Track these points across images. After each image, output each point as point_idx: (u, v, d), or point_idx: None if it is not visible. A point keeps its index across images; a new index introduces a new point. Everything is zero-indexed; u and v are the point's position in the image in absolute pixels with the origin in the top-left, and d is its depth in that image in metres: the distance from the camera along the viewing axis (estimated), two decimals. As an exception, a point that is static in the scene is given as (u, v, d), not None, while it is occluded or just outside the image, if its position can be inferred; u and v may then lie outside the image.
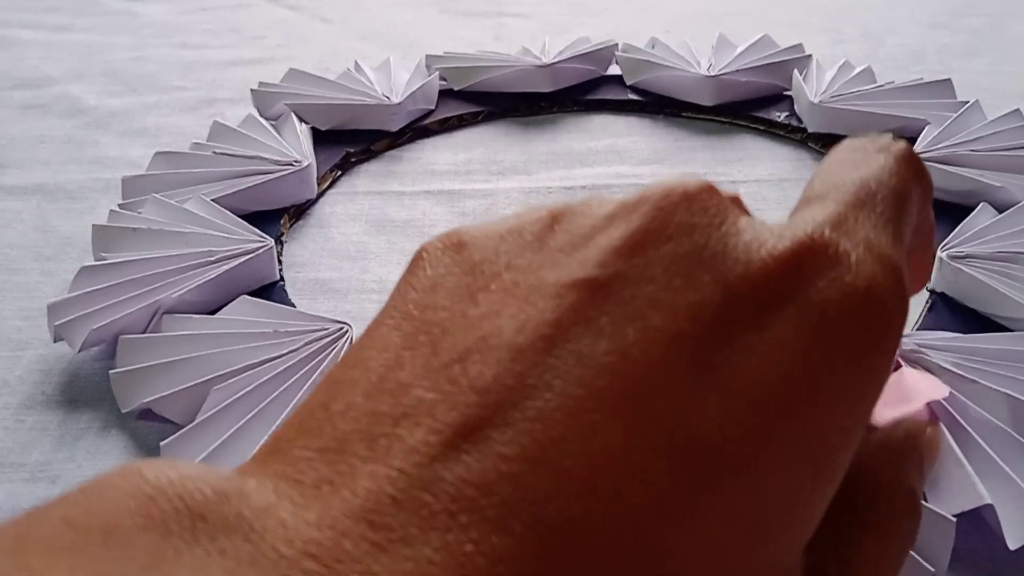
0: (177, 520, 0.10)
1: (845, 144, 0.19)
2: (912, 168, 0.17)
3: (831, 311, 0.13)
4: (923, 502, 0.20)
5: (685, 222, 0.14)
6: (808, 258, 0.14)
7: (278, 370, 0.24)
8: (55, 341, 0.27)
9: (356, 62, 0.42)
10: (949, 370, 0.23)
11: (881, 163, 0.17)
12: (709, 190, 0.15)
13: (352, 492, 0.11)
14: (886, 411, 0.21)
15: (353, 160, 0.37)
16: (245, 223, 0.30)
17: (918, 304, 0.28)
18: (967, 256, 0.28)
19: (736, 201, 0.17)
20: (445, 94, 0.41)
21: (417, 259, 0.16)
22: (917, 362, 0.24)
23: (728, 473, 0.12)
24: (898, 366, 0.24)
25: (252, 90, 0.40)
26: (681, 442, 0.12)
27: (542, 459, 0.11)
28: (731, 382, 0.12)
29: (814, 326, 0.13)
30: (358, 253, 0.32)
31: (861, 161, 0.17)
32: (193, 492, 0.11)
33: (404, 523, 0.11)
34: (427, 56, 0.42)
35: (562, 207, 0.16)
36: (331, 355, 0.25)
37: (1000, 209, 0.30)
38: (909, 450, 0.17)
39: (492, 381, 0.12)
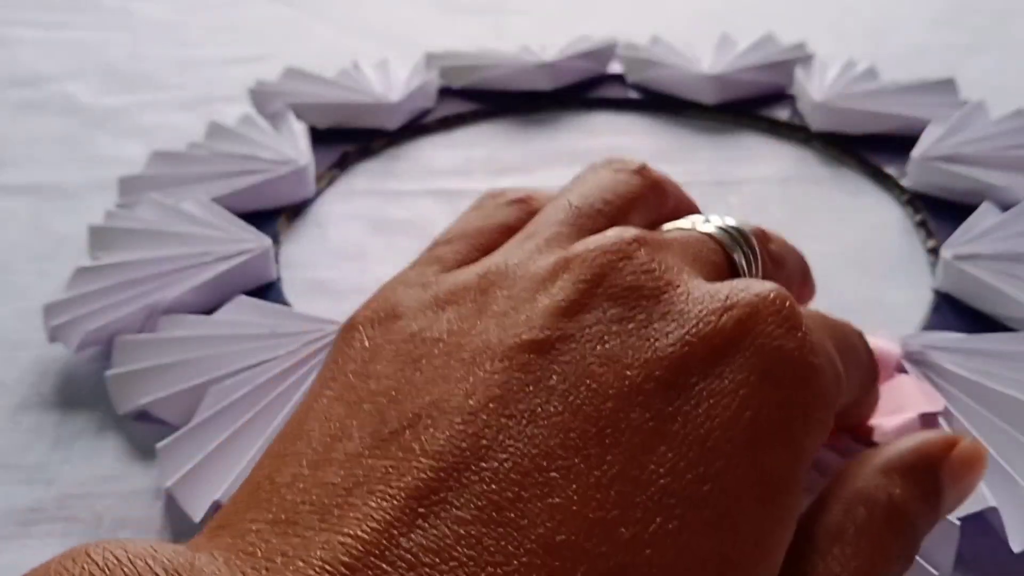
0: None
1: None
2: (868, 348, 0.19)
3: (781, 357, 0.14)
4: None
5: (630, 284, 0.15)
6: (764, 308, 0.14)
7: (275, 371, 0.24)
8: (51, 342, 0.27)
9: (354, 60, 0.41)
10: (953, 371, 0.23)
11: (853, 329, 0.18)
12: (646, 245, 0.16)
13: (306, 563, 0.11)
14: (878, 418, 0.21)
15: (351, 159, 0.37)
16: (242, 222, 0.30)
17: (922, 304, 0.28)
18: (971, 256, 0.27)
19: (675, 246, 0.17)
20: (444, 92, 0.41)
21: (350, 329, 0.16)
22: (921, 363, 0.24)
23: (686, 517, 0.12)
24: (901, 368, 0.24)
25: (250, 89, 0.39)
26: (638, 492, 0.12)
27: (500, 520, 0.11)
28: (685, 430, 0.13)
29: (763, 370, 0.14)
30: (356, 253, 0.32)
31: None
32: (143, 571, 0.11)
33: None
34: (426, 54, 0.42)
35: (492, 269, 0.16)
36: (329, 356, 0.25)
37: (1004, 208, 0.30)
38: (912, 467, 0.16)
39: (446, 445, 0.12)
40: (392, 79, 0.40)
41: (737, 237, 0.18)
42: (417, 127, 0.39)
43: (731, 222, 0.18)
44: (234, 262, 0.28)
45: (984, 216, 0.29)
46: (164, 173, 0.33)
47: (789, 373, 0.14)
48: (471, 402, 0.13)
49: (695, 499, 0.12)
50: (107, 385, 0.25)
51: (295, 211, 0.34)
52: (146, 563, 0.11)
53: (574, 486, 0.12)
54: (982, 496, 0.20)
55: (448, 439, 0.12)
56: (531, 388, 0.13)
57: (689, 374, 0.13)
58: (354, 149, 0.37)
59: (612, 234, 0.16)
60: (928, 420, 0.22)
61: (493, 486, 0.12)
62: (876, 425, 0.21)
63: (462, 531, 0.11)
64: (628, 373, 0.13)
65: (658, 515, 0.12)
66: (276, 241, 0.31)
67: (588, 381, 0.13)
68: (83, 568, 0.11)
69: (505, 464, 0.12)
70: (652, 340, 0.14)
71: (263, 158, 0.33)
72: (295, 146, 0.34)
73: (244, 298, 0.27)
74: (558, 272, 0.15)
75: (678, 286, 0.15)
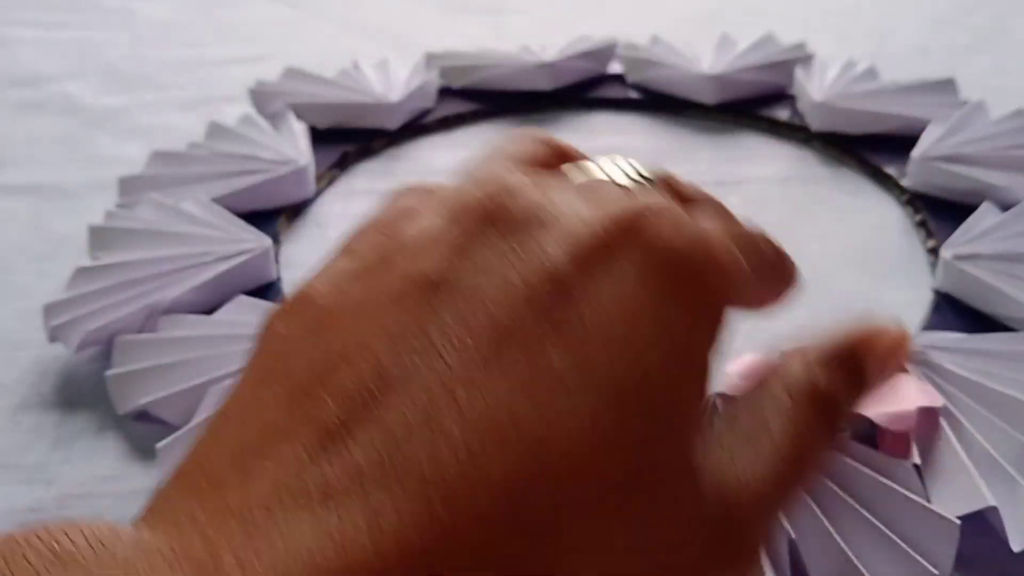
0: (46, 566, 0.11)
1: None
2: (768, 241, 0.19)
3: (671, 251, 0.15)
4: (925, 503, 0.20)
5: (517, 215, 0.15)
6: (650, 211, 0.15)
7: (276, 371, 0.24)
8: (51, 342, 0.27)
9: (354, 60, 0.41)
10: (953, 371, 0.23)
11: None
12: (533, 177, 0.16)
13: (225, 511, 0.12)
14: (876, 411, 0.21)
15: (351, 159, 0.37)
16: (242, 223, 0.30)
17: (922, 304, 0.28)
18: (971, 256, 0.27)
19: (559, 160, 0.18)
20: (444, 92, 0.41)
21: (267, 324, 0.16)
22: (921, 363, 0.24)
23: (589, 401, 0.13)
24: (902, 369, 0.24)
25: (250, 89, 0.39)
26: (540, 384, 0.13)
27: (408, 437, 0.12)
28: (580, 327, 0.14)
29: (654, 264, 0.15)
30: (357, 253, 0.32)
31: None
32: (59, 536, 0.11)
33: (275, 519, 0.11)
34: (426, 54, 0.42)
35: (395, 243, 0.16)
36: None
37: (1004, 208, 0.30)
38: (835, 356, 0.17)
39: (353, 385, 0.13)
40: (392, 79, 0.40)
41: (634, 176, 0.18)
42: (417, 127, 0.39)
43: (636, 166, 0.18)
44: (234, 262, 0.28)
45: (984, 216, 0.29)
46: (164, 173, 0.33)
47: (679, 264, 0.15)
48: (372, 345, 0.13)
49: (598, 385, 0.13)
50: (107, 385, 0.25)
51: (295, 211, 0.34)
52: (64, 533, 0.11)
53: (479, 391, 0.13)
54: (982, 496, 0.20)
55: (354, 380, 0.13)
56: (428, 320, 0.14)
57: (581, 273, 0.14)
58: (354, 149, 0.37)
59: (499, 173, 0.17)
60: (928, 415, 0.22)
61: (401, 410, 0.12)
62: (873, 416, 0.21)
63: (373, 453, 0.12)
64: (518, 284, 0.14)
65: (560, 405, 0.13)
66: (276, 241, 0.31)
67: (481, 301, 0.14)
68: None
69: (410, 388, 0.13)
70: (539, 253, 0.14)
71: (263, 158, 0.33)
72: (295, 146, 0.34)
73: (244, 298, 0.27)
74: (449, 222, 0.16)
75: (562, 205, 0.15)
